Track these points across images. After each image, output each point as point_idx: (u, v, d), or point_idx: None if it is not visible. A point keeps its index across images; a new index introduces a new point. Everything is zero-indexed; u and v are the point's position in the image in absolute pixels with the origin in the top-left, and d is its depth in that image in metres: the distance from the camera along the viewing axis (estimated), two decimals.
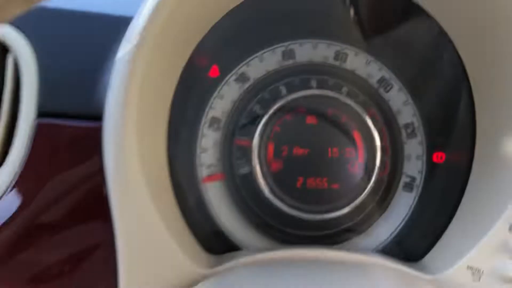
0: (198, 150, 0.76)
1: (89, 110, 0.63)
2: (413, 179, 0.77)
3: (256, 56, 0.77)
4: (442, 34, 0.71)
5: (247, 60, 0.77)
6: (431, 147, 0.76)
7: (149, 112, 0.61)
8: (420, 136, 0.77)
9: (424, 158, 0.76)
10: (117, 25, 0.65)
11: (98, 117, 0.62)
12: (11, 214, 0.60)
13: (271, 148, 0.74)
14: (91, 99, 0.63)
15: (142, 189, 0.57)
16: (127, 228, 0.57)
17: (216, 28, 0.71)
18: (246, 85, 0.77)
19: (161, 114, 0.68)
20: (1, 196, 0.61)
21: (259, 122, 0.74)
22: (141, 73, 0.55)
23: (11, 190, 0.61)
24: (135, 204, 0.57)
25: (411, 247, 0.74)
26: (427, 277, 0.64)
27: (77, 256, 0.62)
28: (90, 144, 0.61)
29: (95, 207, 0.62)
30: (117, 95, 0.55)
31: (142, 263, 0.58)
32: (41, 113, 0.63)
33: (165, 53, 0.60)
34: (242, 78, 0.77)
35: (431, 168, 0.76)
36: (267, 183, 0.74)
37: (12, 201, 0.61)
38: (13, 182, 0.61)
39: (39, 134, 0.62)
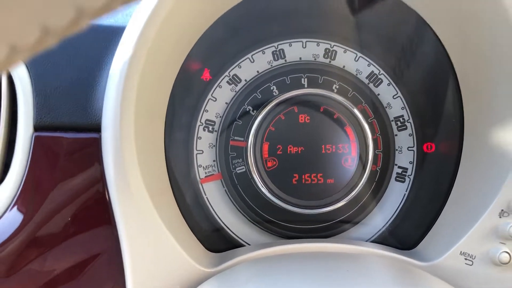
0: (195, 152, 0.77)
1: (86, 122, 0.64)
2: (405, 169, 0.79)
3: (247, 58, 0.79)
4: (426, 27, 0.73)
5: (238, 62, 0.78)
6: (421, 138, 0.78)
7: (146, 119, 0.63)
8: (410, 128, 0.79)
9: (415, 149, 0.78)
10: (109, 35, 0.67)
11: (94, 128, 0.64)
12: (16, 227, 0.62)
13: (266, 147, 0.76)
14: (87, 111, 0.64)
15: (143, 193, 0.59)
16: (130, 232, 0.59)
17: (206, 33, 0.72)
18: (238, 86, 0.78)
19: (157, 119, 0.69)
20: (5, 210, 0.62)
21: (253, 123, 0.76)
22: (136, 85, 0.57)
23: (14, 204, 0.62)
24: (137, 208, 0.59)
25: (405, 235, 0.77)
26: (422, 264, 0.67)
27: (83, 262, 0.63)
28: (88, 155, 0.63)
29: (97, 214, 0.63)
30: (114, 107, 0.57)
31: (147, 265, 0.60)
32: (39, 127, 0.64)
33: (159, 63, 0.62)
34: (234, 79, 0.78)
35: (422, 158, 0.78)
36: (264, 181, 0.76)
37: (16, 214, 0.62)
38: (16, 196, 0.62)
39: (38, 148, 0.63)
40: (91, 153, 0.63)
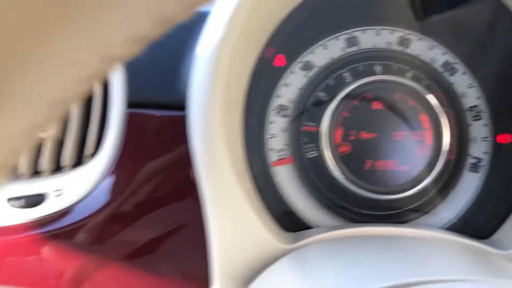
0: (267, 136, 0.79)
1: (174, 100, 0.67)
2: (479, 160, 0.78)
3: (321, 44, 0.80)
4: (505, 12, 0.72)
5: (312, 48, 0.80)
6: (497, 129, 0.77)
7: (231, 101, 0.65)
8: (485, 119, 0.78)
9: (490, 139, 0.77)
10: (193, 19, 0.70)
11: (182, 106, 0.67)
12: (108, 198, 0.66)
13: (339, 132, 0.77)
14: (175, 89, 0.67)
15: (228, 171, 0.62)
16: (216, 208, 0.62)
17: (285, 19, 0.74)
18: (311, 72, 0.80)
19: (238, 102, 0.72)
20: (98, 183, 0.67)
21: (325, 109, 0.77)
22: (226, 64, 0.59)
23: (106, 177, 0.67)
24: (223, 185, 0.62)
25: (479, 226, 0.76)
26: (499, 252, 0.66)
27: (168, 234, 0.67)
28: (177, 132, 0.66)
29: (183, 189, 0.66)
30: (204, 86, 0.60)
31: (231, 240, 0.63)
32: (130, 104, 0.68)
33: (245, 45, 0.64)
34: (307, 66, 0.80)
35: (497, 149, 0.77)
36: (336, 166, 0.77)
37: (108, 187, 0.66)
38: (108, 170, 0.67)
39: (130, 124, 0.67)
40: (179, 130, 0.66)
